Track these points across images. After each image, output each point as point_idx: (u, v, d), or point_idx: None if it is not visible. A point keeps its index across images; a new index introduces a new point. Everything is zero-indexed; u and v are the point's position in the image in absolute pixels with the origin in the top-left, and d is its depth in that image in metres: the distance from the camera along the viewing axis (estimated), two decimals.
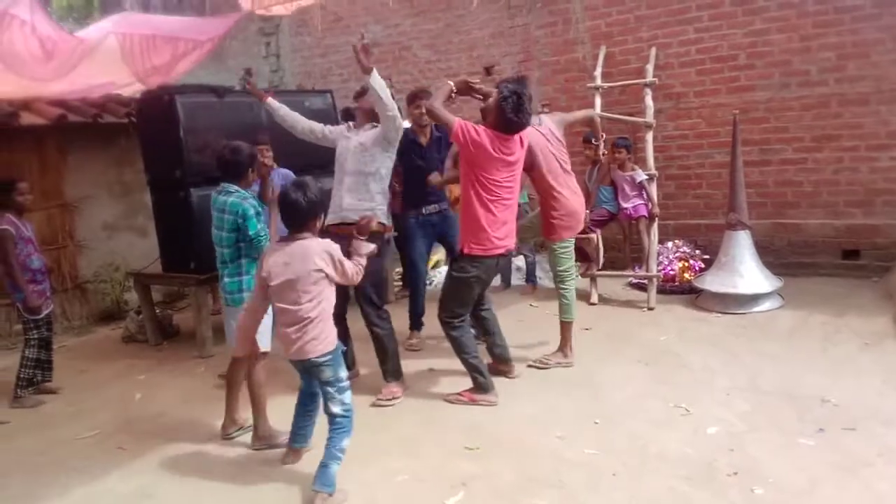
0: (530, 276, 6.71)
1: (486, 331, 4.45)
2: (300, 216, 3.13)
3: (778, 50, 6.26)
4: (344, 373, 3.25)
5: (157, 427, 4.18)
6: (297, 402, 3.51)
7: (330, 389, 3.19)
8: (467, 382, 4.18)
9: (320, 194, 3.20)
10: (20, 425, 4.43)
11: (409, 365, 4.84)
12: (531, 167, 4.36)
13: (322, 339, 3.14)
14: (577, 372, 4.47)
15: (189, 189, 5.45)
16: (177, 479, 3.50)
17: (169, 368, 5.34)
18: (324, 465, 3.14)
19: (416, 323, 5.37)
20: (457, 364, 4.24)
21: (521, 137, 3.99)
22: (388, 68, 8.37)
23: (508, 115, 3.80)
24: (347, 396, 3.23)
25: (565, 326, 4.63)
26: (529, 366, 4.61)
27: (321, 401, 3.33)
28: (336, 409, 3.19)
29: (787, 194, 6.40)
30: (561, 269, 4.60)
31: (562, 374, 4.45)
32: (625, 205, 6.20)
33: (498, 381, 4.25)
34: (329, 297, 3.18)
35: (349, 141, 4.39)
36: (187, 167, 5.44)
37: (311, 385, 3.40)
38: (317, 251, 3.11)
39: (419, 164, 5.04)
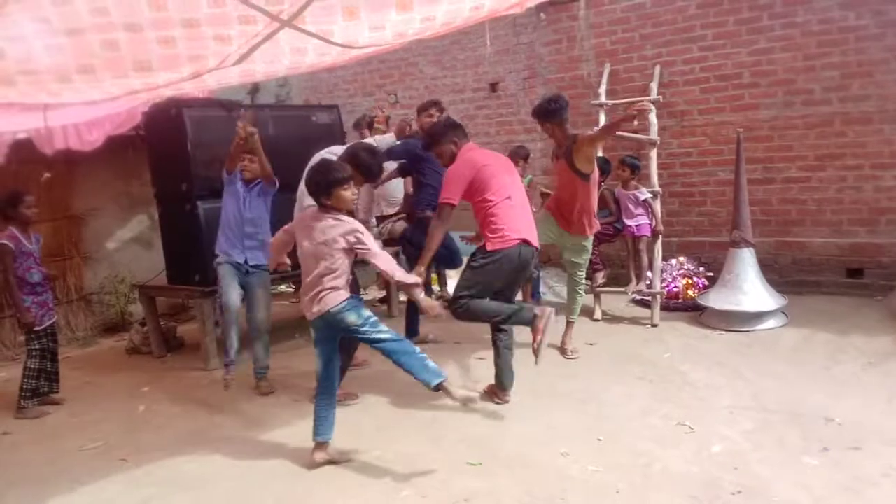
0: (534, 292, 6.71)
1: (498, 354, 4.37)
2: None
3: (782, 69, 6.29)
4: (368, 312, 3.46)
5: (161, 439, 4.19)
6: (316, 392, 3.63)
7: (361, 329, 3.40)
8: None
9: None
10: (24, 436, 4.45)
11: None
12: None
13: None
14: (581, 389, 4.47)
15: (196, 202, 5.48)
16: (180, 491, 3.50)
17: (172, 381, 5.35)
18: (420, 371, 3.38)
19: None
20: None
21: None
22: (394, 84, 8.43)
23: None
24: (384, 328, 3.45)
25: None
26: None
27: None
28: (378, 335, 3.41)
29: (791, 212, 6.41)
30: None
31: (566, 391, 4.45)
32: (629, 222, 6.21)
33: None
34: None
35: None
36: (194, 180, 5.48)
37: (329, 365, 3.57)
38: None
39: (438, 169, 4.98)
